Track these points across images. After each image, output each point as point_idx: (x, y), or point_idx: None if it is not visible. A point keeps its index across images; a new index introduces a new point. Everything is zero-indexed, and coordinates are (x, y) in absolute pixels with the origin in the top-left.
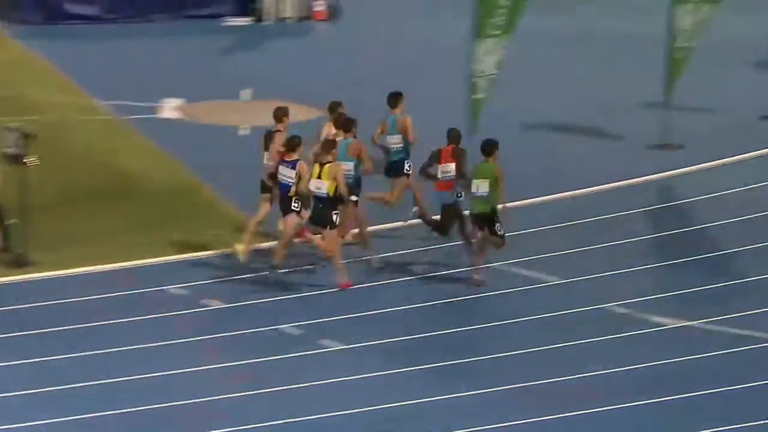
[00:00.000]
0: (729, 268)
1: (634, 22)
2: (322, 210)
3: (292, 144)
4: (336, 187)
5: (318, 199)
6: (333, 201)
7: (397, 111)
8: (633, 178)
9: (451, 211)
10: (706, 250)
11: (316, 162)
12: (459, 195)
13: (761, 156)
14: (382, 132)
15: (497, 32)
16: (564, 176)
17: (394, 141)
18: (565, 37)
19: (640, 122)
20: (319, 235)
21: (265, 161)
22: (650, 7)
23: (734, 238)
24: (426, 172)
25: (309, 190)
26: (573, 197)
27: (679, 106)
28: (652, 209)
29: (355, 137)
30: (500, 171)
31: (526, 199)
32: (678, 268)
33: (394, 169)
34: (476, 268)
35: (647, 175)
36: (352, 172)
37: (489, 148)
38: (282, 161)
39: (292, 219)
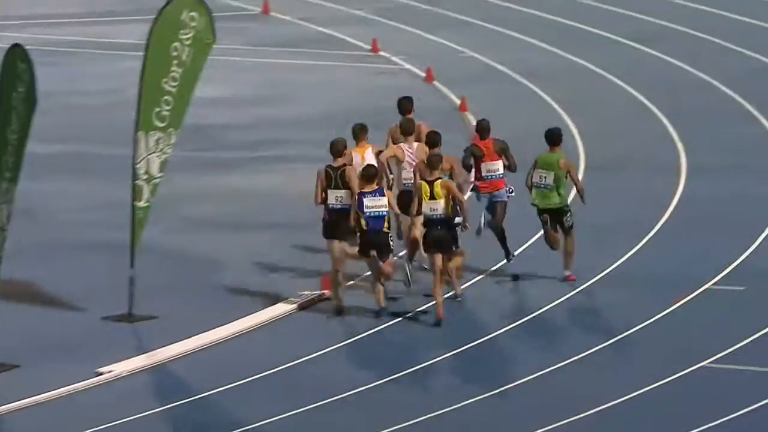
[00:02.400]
0: None
1: None
2: (441, 233)
3: (371, 173)
4: (451, 205)
5: (432, 222)
6: (450, 220)
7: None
8: None
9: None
10: None
11: (422, 180)
12: (511, 191)
13: None
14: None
15: (162, 125)
16: None
17: None
18: None
19: None
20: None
21: (334, 201)
22: None
23: None
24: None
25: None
26: None
27: None
28: None
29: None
30: (568, 162)
31: None
32: None
33: None
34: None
35: None
36: None
37: (554, 137)
38: (363, 195)
39: (390, 258)
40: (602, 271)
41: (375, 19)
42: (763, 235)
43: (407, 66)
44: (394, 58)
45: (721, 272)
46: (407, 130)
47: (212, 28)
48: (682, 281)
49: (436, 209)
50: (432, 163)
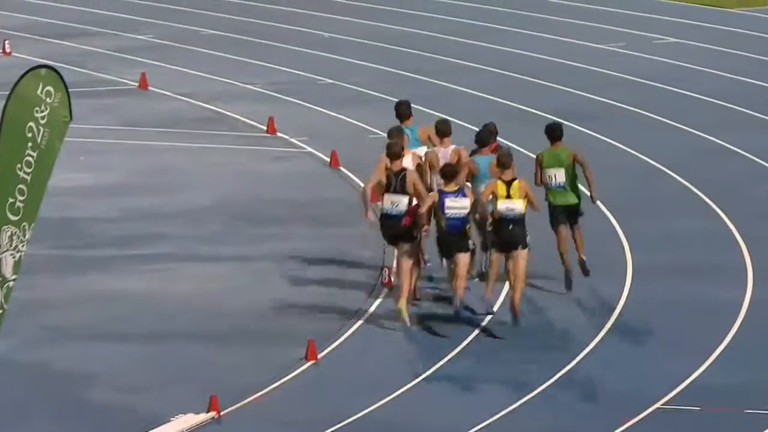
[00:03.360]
0: None
1: None
2: (515, 230)
3: (452, 172)
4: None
5: (506, 221)
6: (524, 220)
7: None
8: None
9: None
10: None
11: (498, 179)
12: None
13: None
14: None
15: (16, 218)
16: None
17: None
18: None
19: None
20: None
21: (390, 206)
22: None
23: None
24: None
25: (487, 214)
26: None
27: None
28: None
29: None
30: (580, 156)
31: None
32: None
33: None
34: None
35: None
36: None
37: (555, 131)
38: (444, 194)
39: (467, 257)
40: (543, 384)
41: (271, 94)
42: (720, 348)
43: (309, 149)
44: (294, 140)
45: (674, 390)
46: (444, 131)
47: (68, 103)
48: (633, 399)
49: (514, 209)
50: (504, 162)
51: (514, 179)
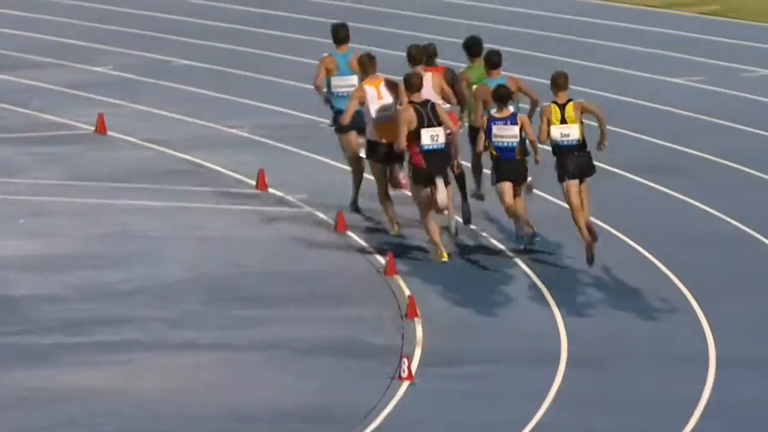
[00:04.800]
0: None
1: None
2: (582, 158)
3: (507, 94)
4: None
5: (567, 148)
6: (585, 145)
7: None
8: None
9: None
10: None
11: (552, 103)
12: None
13: None
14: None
15: None
16: None
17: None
18: None
19: None
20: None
21: (429, 141)
22: None
23: None
24: None
25: (543, 141)
26: None
27: None
28: None
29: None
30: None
31: None
32: None
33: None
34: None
35: None
36: None
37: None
38: (492, 120)
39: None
40: None
41: (261, 141)
42: None
43: (308, 208)
44: (289, 197)
45: None
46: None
47: None
48: None
49: (568, 134)
50: (560, 83)
51: (569, 101)
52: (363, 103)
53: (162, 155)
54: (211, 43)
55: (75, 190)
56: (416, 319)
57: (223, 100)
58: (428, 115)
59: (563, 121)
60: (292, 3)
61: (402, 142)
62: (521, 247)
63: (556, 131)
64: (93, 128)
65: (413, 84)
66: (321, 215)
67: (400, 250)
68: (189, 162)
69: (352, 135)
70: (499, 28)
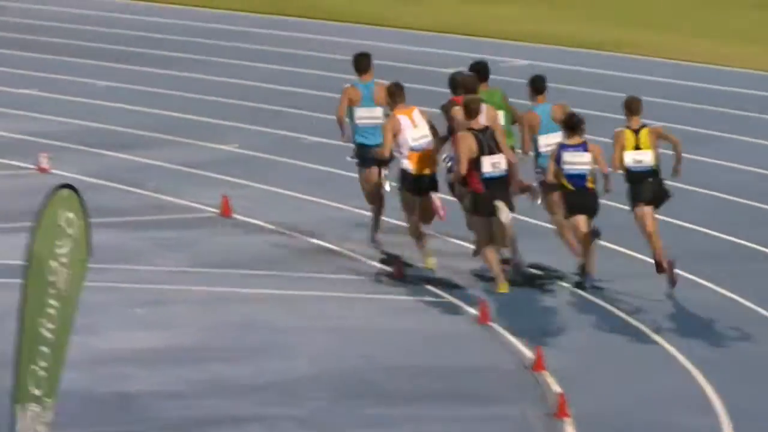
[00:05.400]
0: None
1: None
2: (655, 184)
3: (578, 122)
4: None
5: (640, 174)
6: (659, 172)
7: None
8: None
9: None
10: None
11: (626, 128)
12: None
13: None
14: None
15: (39, 392)
16: None
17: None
18: None
19: None
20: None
21: (491, 168)
22: None
23: None
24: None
25: (616, 168)
26: None
27: None
28: None
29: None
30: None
31: None
32: None
33: None
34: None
35: None
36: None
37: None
38: (564, 148)
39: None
40: None
41: (398, 224)
42: None
43: (450, 298)
44: (429, 287)
45: None
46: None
47: (87, 237)
48: None
49: (642, 160)
50: (634, 107)
51: (642, 126)
52: (397, 134)
53: (291, 239)
54: None
55: (195, 278)
56: (566, 419)
57: (354, 180)
58: (488, 143)
59: (637, 147)
60: (426, 77)
61: (462, 170)
62: (587, 285)
63: (629, 157)
64: (216, 211)
65: (472, 109)
66: (463, 305)
67: (548, 344)
68: (320, 246)
69: (375, 169)
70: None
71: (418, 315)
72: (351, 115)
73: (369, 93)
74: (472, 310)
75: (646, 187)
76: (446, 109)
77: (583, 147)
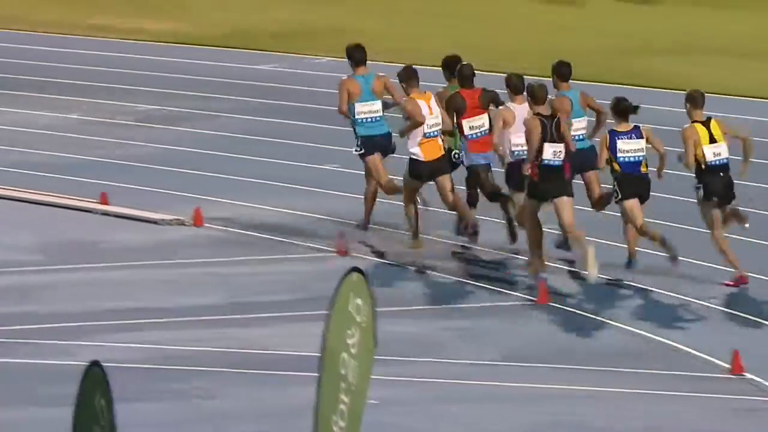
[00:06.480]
0: None
1: None
2: (727, 179)
3: (626, 108)
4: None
5: (717, 168)
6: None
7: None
8: None
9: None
10: None
11: (695, 122)
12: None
13: None
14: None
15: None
16: None
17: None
18: None
19: None
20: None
21: (552, 156)
22: None
23: None
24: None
25: (690, 164)
26: None
27: None
28: None
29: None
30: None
31: None
32: None
33: None
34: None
35: None
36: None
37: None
38: (616, 135)
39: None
40: None
41: (733, 313)
42: None
43: None
44: None
45: None
46: (518, 87)
47: (374, 325)
48: None
49: (721, 153)
50: (697, 99)
51: (709, 118)
52: (412, 116)
53: (613, 329)
54: None
55: (507, 372)
56: None
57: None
58: (552, 130)
59: (712, 140)
60: None
61: (531, 157)
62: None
63: (709, 151)
64: (534, 299)
65: (539, 96)
66: None
67: None
68: (661, 344)
69: (378, 156)
70: None
71: (760, 416)
72: (350, 110)
73: (368, 86)
74: None
75: (719, 182)
76: (445, 99)
77: (636, 132)
